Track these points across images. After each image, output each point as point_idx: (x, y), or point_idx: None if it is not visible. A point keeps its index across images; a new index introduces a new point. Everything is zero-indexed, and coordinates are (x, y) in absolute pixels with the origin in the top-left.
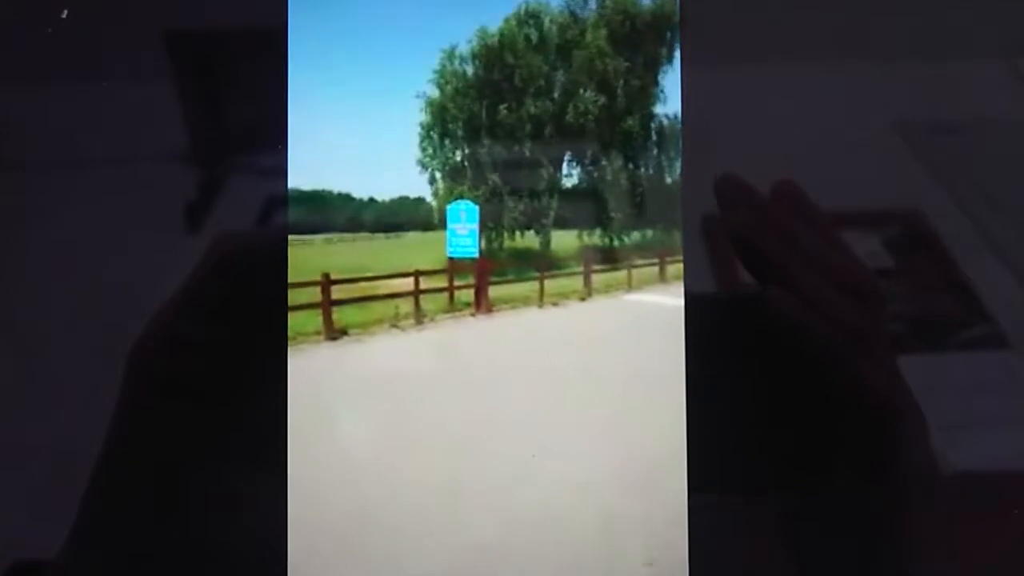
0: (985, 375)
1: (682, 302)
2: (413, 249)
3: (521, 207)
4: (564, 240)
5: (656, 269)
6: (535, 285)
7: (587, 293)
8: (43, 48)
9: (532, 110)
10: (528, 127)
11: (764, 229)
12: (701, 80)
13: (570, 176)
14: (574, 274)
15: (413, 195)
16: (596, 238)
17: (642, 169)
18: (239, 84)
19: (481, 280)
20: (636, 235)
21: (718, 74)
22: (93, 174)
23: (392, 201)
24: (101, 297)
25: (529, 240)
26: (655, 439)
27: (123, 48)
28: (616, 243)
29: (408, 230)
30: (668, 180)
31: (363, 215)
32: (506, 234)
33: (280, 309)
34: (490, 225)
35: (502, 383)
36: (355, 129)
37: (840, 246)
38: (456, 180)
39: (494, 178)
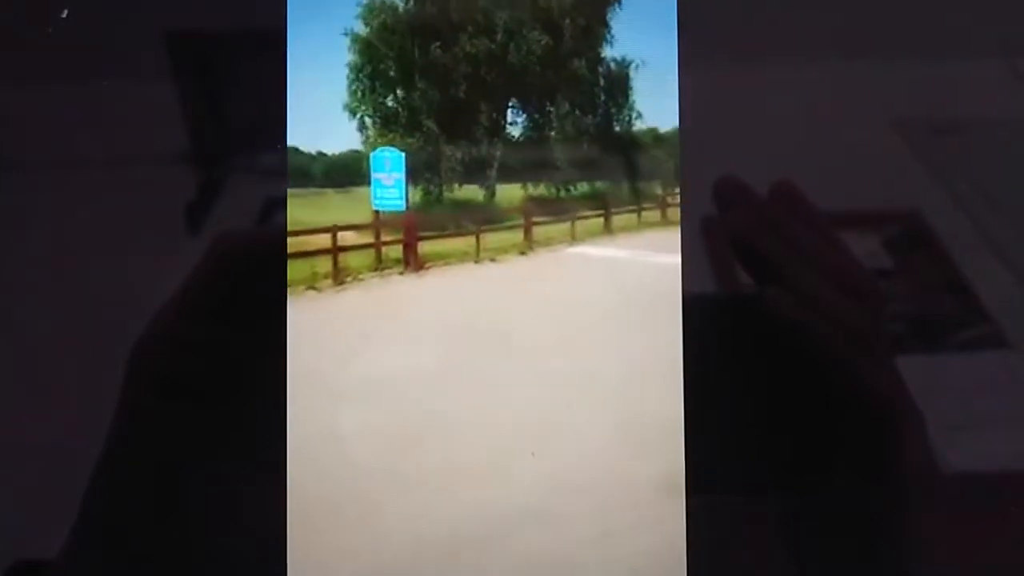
0: (985, 375)
1: (629, 254)
2: (360, 204)
3: (459, 155)
4: (507, 192)
5: (601, 221)
6: (472, 240)
7: (528, 247)
8: (43, 48)
9: (468, 49)
10: (465, 67)
11: (763, 230)
12: (700, 80)
13: (514, 124)
14: (514, 227)
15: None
16: (541, 189)
17: (589, 116)
18: (239, 84)
19: (410, 235)
20: (584, 186)
21: (717, 74)
22: (93, 174)
23: (342, 155)
24: (101, 297)
25: (470, 192)
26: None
27: (123, 48)
28: (562, 194)
29: (361, 185)
30: (616, 128)
31: (311, 169)
32: (444, 186)
33: (280, 309)
34: (428, 176)
35: (431, 348)
36: (306, 80)
37: (839, 246)
38: (388, 127)
39: (429, 124)
